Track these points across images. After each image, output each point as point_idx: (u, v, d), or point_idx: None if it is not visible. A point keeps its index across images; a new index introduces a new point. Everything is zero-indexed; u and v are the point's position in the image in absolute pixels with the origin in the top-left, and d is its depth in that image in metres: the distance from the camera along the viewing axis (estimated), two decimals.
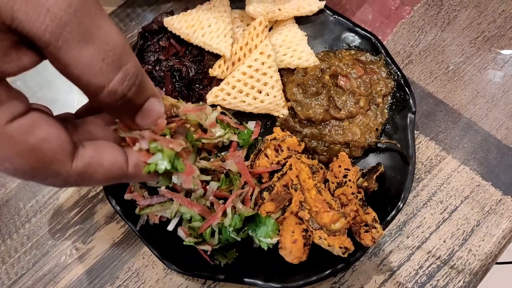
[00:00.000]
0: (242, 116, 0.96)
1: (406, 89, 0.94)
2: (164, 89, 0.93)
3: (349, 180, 0.84)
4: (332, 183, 0.86)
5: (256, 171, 0.89)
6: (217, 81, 0.96)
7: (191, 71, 0.94)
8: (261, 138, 0.94)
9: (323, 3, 1.02)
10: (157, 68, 0.94)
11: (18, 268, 0.90)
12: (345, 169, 0.86)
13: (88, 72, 0.43)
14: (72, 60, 0.42)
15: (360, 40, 1.01)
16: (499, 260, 1.28)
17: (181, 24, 0.95)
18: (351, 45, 1.02)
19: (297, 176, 0.85)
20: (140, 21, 1.13)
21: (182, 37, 0.95)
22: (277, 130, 0.93)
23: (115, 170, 0.50)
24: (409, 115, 0.92)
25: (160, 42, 0.96)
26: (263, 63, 0.92)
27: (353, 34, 1.02)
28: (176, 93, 0.93)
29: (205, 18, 0.96)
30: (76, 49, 0.42)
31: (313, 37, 1.03)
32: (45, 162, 0.45)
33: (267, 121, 0.98)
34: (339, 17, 1.03)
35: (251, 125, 0.95)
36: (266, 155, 0.90)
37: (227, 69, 0.96)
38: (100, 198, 0.95)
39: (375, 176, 0.86)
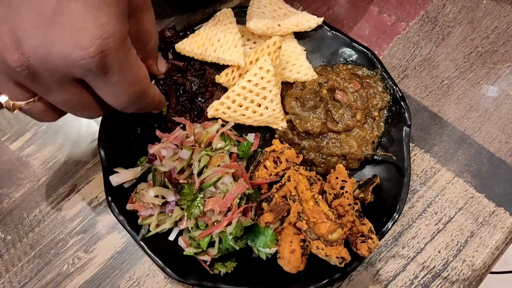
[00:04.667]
0: (241, 128, 0.99)
1: (402, 103, 0.97)
2: (168, 103, 0.96)
3: (346, 192, 0.86)
4: (329, 194, 0.89)
5: (255, 182, 0.92)
6: (219, 94, 0.98)
7: (194, 85, 0.97)
8: (260, 150, 0.96)
9: (321, 19, 1.05)
10: (161, 82, 0.97)
11: (21, 277, 0.91)
12: (342, 180, 0.88)
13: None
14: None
15: (357, 55, 1.04)
16: (495, 270, 1.30)
17: (192, 46, 0.98)
18: (348, 59, 1.05)
19: (295, 188, 0.87)
20: None
21: (196, 57, 0.98)
22: (276, 142, 0.96)
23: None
24: (405, 128, 0.95)
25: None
26: (262, 78, 0.95)
27: (350, 49, 1.05)
28: (179, 106, 0.95)
29: (213, 34, 0.99)
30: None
31: (311, 51, 1.06)
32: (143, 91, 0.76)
33: (266, 133, 1.00)
34: (337, 33, 1.06)
35: (251, 137, 0.98)
36: (265, 167, 0.92)
37: (233, 78, 0.98)
38: (102, 208, 0.97)
39: (371, 187, 0.88)
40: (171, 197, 0.86)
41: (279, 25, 1.02)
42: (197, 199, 0.85)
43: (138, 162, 0.94)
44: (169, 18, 1.18)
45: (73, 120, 1.05)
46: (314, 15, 1.07)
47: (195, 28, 1.06)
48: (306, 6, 1.19)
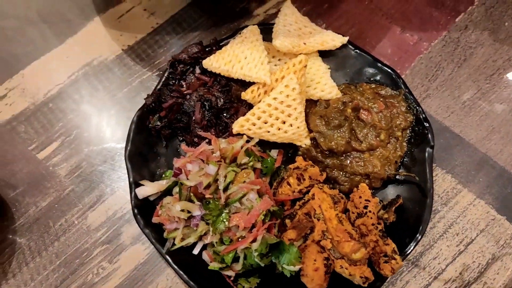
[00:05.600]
0: (264, 144, 1.00)
1: (425, 124, 0.98)
2: (194, 118, 0.97)
3: (370, 211, 0.87)
4: (353, 213, 0.89)
5: (279, 198, 0.93)
6: (243, 111, 1.00)
7: (220, 100, 0.98)
8: (283, 166, 0.97)
9: (346, 38, 1.06)
10: (187, 97, 0.99)
11: (46, 285, 0.93)
12: (366, 200, 0.89)
13: None
14: None
15: (380, 75, 1.05)
16: None
17: (219, 62, 1.00)
18: (371, 78, 1.06)
19: (319, 206, 0.88)
20: (168, 48, 1.18)
21: (222, 74, 1.00)
22: (299, 160, 0.97)
23: None
24: (428, 149, 0.95)
25: (189, 74, 1.01)
26: (288, 96, 0.96)
27: (374, 69, 1.06)
28: (205, 121, 0.97)
29: (240, 51, 1.01)
30: None
31: (335, 69, 1.08)
32: None
33: (289, 150, 1.01)
34: (361, 52, 1.07)
35: (274, 153, 0.99)
36: (289, 184, 0.94)
37: (259, 95, 1.00)
38: (126, 219, 0.98)
39: (394, 208, 0.89)
40: (197, 212, 0.87)
41: (304, 44, 1.04)
42: (222, 215, 0.86)
43: (163, 176, 0.96)
44: (193, 32, 1.20)
45: (100, 132, 1.07)
46: (337, 33, 1.09)
47: (221, 44, 1.08)
48: (329, 24, 1.20)
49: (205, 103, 0.98)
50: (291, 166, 0.96)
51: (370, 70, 1.06)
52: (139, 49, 1.19)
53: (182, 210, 0.87)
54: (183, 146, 0.97)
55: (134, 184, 0.93)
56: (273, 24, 1.09)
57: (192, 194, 0.89)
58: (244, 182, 0.90)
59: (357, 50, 1.08)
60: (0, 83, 1.14)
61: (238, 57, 1.01)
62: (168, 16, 1.22)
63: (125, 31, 1.21)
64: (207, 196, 0.88)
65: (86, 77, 1.15)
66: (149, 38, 1.20)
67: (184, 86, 1.01)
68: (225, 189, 0.88)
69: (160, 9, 1.23)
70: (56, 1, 1.25)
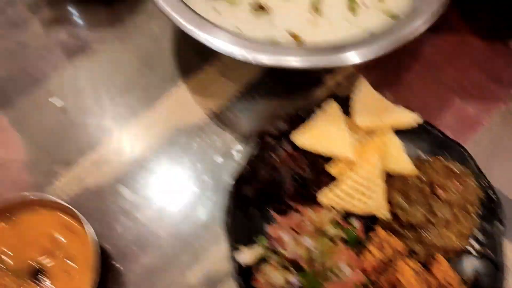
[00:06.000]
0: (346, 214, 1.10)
1: (494, 198, 1.08)
2: (284, 188, 1.08)
3: (451, 285, 0.96)
4: (433, 285, 0.99)
5: (362, 267, 1.03)
6: (328, 182, 1.11)
7: (308, 173, 1.09)
8: (364, 236, 1.07)
9: (421, 119, 1.16)
10: (277, 168, 1.10)
11: None
12: (446, 273, 0.98)
13: None
14: None
15: (449, 150, 1.15)
16: None
17: (308, 140, 1.11)
18: (441, 153, 1.16)
19: (404, 278, 0.98)
20: (249, 114, 1.29)
21: (309, 149, 1.11)
22: (379, 230, 1.07)
23: None
24: (498, 224, 1.05)
25: (278, 147, 1.13)
26: (370, 172, 1.07)
27: (444, 143, 1.16)
28: (295, 192, 1.08)
29: (324, 127, 1.12)
30: None
31: (406, 144, 1.17)
32: None
33: (369, 220, 1.11)
34: (429, 126, 1.17)
35: (355, 222, 1.09)
36: (370, 252, 1.04)
37: (343, 169, 1.10)
38: (221, 279, 1.09)
39: (471, 282, 0.98)
40: (294, 280, 0.97)
41: (381, 121, 1.15)
42: (317, 284, 0.97)
43: (257, 240, 1.07)
44: (270, 100, 1.31)
45: (192, 197, 1.19)
46: (402, 103, 1.19)
47: (300, 115, 1.19)
48: (394, 92, 1.31)
49: (295, 176, 1.09)
50: (372, 235, 1.06)
51: (440, 145, 1.16)
52: (222, 115, 1.30)
53: (281, 279, 0.97)
54: (274, 214, 1.08)
55: (233, 250, 1.03)
56: (347, 97, 1.20)
57: (288, 263, 0.99)
58: (335, 253, 1.00)
59: (426, 125, 1.18)
60: (98, 144, 1.26)
61: (323, 133, 1.13)
62: (247, 83, 1.34)
63: (207, 98, 1.32)
64: (302, 265, 0.98)
65: (175, 140, 1.26)
66: (231, 104, 1.31)
67: (275, 158, 1.12)
68: (319, 259, 0.99)
69: (240, 77, 1.35)
70: (142, 71, 1.36)
